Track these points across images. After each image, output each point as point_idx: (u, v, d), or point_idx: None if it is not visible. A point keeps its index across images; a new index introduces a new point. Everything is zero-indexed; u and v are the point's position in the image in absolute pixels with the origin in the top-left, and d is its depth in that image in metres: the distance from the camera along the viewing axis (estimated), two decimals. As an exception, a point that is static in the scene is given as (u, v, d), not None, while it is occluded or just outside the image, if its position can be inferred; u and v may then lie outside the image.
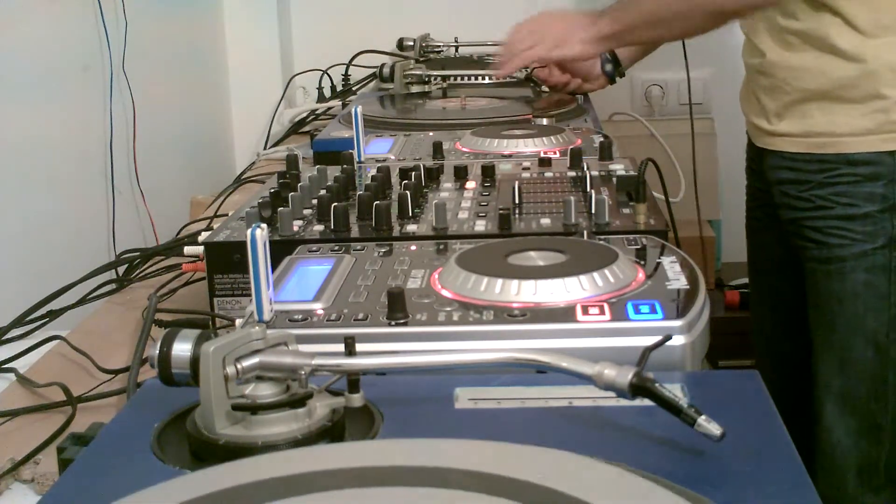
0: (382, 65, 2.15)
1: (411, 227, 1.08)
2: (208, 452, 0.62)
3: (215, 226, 1.18)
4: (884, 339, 1.44)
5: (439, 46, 2.41)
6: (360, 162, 1.40)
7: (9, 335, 1.18)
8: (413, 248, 0.99)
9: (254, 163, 2.15)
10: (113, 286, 1.34)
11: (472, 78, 2.12)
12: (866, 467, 1.47)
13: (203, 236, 1.09)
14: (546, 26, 1.72)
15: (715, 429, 0.58)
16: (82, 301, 1.28)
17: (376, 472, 0.54)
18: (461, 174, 1.27)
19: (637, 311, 0.78)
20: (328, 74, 2.52)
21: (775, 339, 1.70)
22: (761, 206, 1.66)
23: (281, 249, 0.96)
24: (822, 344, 1.49)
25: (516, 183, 1.15)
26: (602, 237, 0.97)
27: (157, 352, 0.66)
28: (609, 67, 1.87)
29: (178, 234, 1.56)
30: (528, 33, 1.73)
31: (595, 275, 0.82)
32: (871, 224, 1.43)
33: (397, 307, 0.80)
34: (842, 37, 1.41)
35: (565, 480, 0.51)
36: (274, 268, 0.84)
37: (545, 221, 1.07)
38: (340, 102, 2.31)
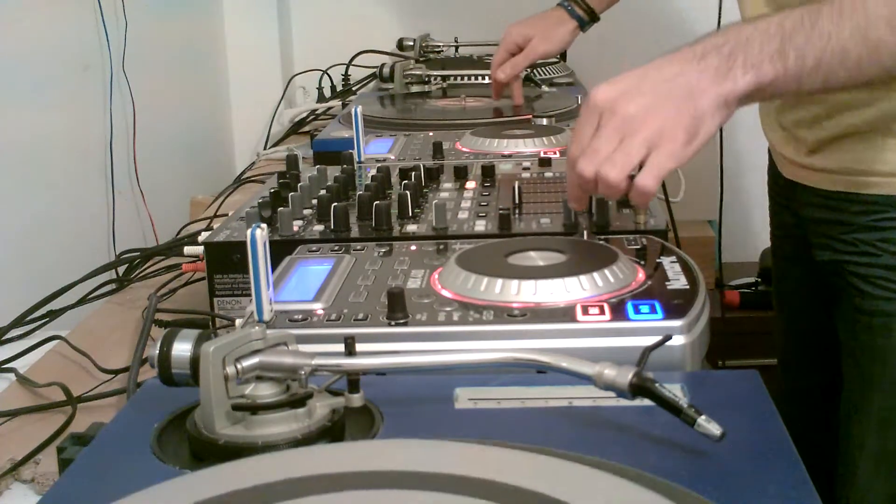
0: (382, 65, 2.15)
1: (411, 227, 1.08)
2: (208, 452, 0.62)
3: (215, 226, 1.18)
4: None
5: (439, 46, 2.41)
6: (360, 162, 1.40)
7: (9, 335, 1.18)
8: (413, 248, 0.99)
9: (254, 163, 2.15)
10: (113, 286, 1.34)
11: (472, 78, 2.12)
12: None
13: (203, 236, 1.09)
14: (637, 113, 0.92)
15: (715, 429, 0.58)
16: (82, 301, 1.28)
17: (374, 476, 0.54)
18: (461, 174, 1.27)
19: (637, 311, 0.78)
20: (328, 74, 2.52)
21: (802, 374, 1.58)
22: (789, 238, 1.49)
23: (281, 249, 0.96)
24: (858, 399, 1.35)
25: (516, 183, 1.15)
26: (602, 237, 0.97)
27: (157, 352, 0.66)
28: (586, 29, 1.84)
29: (178, 234, 1.56)
30: (615, 136, 0.92)
31: (595, 275, 0.82)
32: None
33: (397, 307, 0.80)
34: None
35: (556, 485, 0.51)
36: (274, 268, 0.84)
37: (545, 221, 1.07)
38: (340, 102, 2.31)
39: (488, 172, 1.26)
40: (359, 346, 0.65)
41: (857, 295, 1.31)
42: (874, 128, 1.26)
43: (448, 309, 0.81)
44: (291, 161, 1.34)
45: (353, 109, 1.45)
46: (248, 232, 0.72)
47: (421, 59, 2.29)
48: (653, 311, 0.78)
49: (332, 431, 0.64)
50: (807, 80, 0.97)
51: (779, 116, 1.39)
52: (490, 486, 0.51)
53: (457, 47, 2.42)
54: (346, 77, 2.49)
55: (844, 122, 1.28)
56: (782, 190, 1.47)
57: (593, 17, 1.84)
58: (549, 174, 1.27)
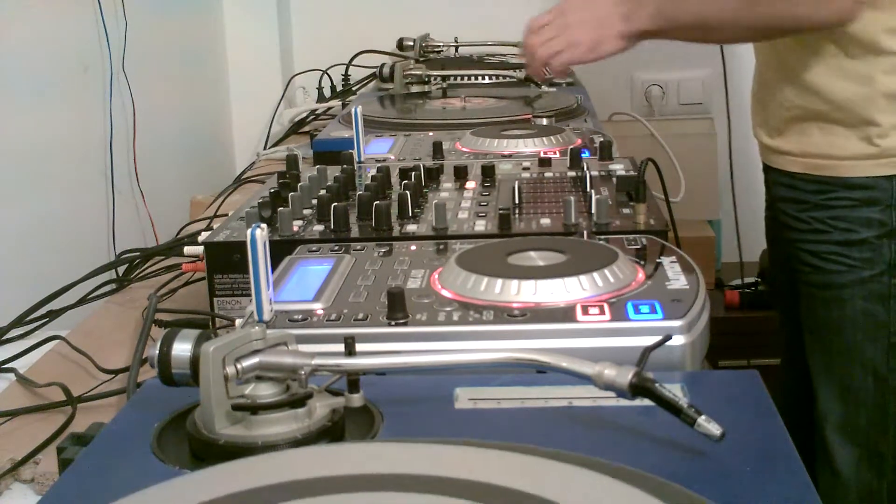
0: (382, 65, 2.15)
1: (411, 227, 1.08)
2: (208, 452, 0.62)
3: (215, 226, 1.18)
4: (883, 368, 1.40)
5: (439, 46, 2.41)
6: (360, 162, 1.40)
7: (9, 335, 1.18)
8: (413, 248, 0.99)
9: (254, 163, 2.15)
10: (113, 286, 1.34)
11: (472, 78, 2.12)
12: (867, 497, 1.43)
13: (203, 236, 1.09)
14: (573, 22, 1.45)
15: (715, 429, 0.58)
16: (82, 301, 1.28)
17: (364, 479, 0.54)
18: (461, 174, 1.27)
19: (637, 311, 0.78)
20: (328, 74, 2.52)
21: (802, 372, 1.59)
22: (771, 229, 1.61)
23: (281, 249, 0.96)
24: (820, 371, 1.45)
25: (516, 183, 1.15)
26: (602, 237, 0.97)
27: (157, 352, 0.66)
28: None
29: (178, 234, 1.56)
30: (555, 31, 1.47)
31: (595, 275, 0.82)
32: (869, 250, 1.39)
33: (397, 307, 0.80)
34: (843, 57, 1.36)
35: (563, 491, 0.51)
36: (274, 268, 0.84)
37: (545, 221, 1.07)
38: (340, 102, 2.31)
39: (488, 172, 1.26)
40: (359, 346, 0.65)
41: (813, 272, 1.43)
42: (825, 115, 1.39)
43: (448, 309, 0.81)
44: (291, 161, 1.34)
45: (353, 109, 1.45)
46: (248, 232, 0.72)
47: (421, 59, 2.29)
48: (653, 311, 0.78)
49: (332, 431, 0.64)
50: (681, 34, 1.43)
51: (758, 92, 1.52)
52: (488, 490, 0.51)
53: (457, 47, 2.42)
54: (346, 77, 2.49)
55: (800, 106, 1.41)
56: (764, 175, 1.58)
57: None
58: (549, 174, 1.27)
